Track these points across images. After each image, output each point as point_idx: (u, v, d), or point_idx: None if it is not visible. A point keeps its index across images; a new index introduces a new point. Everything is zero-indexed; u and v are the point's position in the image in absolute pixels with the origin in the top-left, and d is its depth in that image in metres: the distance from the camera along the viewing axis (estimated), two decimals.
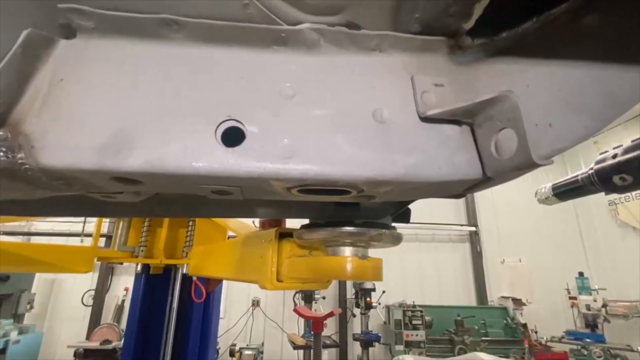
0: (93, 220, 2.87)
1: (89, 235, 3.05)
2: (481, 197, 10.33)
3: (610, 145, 1.53)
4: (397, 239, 1.09)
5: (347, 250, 1.07)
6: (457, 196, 1.17)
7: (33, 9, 0.47)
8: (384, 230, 1.03)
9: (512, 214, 10.23)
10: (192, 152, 0.47)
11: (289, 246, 1.33)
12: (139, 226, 2.96)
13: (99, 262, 8.24)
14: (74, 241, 7.46)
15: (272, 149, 0.48)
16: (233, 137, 0.49)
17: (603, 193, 1.68)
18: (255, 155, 0.48)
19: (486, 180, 0.55)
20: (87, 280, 8.08)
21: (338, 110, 0.52)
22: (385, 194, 0.59)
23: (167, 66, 0.52)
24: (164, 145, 0.47)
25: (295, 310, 3.50)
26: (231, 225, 2.67)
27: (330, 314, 3.46)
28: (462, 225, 10.20)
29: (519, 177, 0.58)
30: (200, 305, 3.02)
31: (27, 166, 0.45)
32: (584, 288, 7.92)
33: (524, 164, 0.45)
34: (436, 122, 0.54)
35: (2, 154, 0.42)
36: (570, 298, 8.28)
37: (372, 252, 1.10)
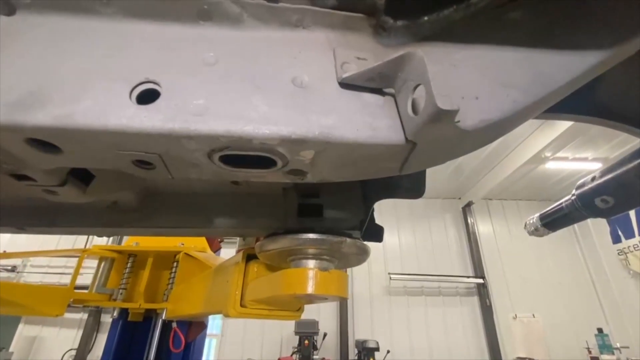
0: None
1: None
2: (486, 245, 10.03)
3: None
4: (361, 250, 1.04)
5: (309, 263, 1.01)
6: (412, 195, 1.14)
7: None
8: (345, 239, 0.98)
9: (520, 264, 9.82)
10: (102, 109, 0.47)
11: (255, 267, 1.26)
12: (121, 267, 2.85)
13: (84, 319, 7.80)
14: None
15: (184, 107, 0.49)
16: (148, 97, 0.50)
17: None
18: (166, 111, 0.48)
19: (412, 148, 0.53)
20: (71, 338, 7.58)
21: (259, 75, 0.53)
22: (314, 167, 0.57)
23: (95, 37, 0.54)
24: (76, 103, 0.48)
25: None
26: (217, 262, 2.57)
27: None
28: (468, 277, 9.76)
29: (443, 142, 0.57)
30: (179, 355, 2.78)
31: None
32: (605, 346, 7.28)
33: (433, 114, 0.44)
34: (357, 90, 0.54)
35: None
36: (592, 359, 7.56)
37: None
